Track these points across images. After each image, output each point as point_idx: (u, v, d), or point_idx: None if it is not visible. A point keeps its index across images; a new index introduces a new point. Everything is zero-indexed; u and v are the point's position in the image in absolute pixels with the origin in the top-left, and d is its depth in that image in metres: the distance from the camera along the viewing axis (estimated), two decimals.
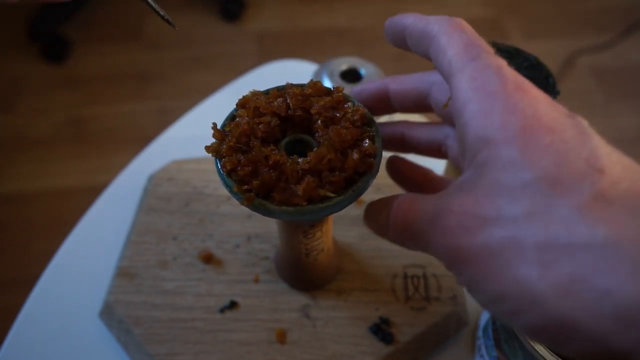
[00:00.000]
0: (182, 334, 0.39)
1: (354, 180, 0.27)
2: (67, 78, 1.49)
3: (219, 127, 0.29)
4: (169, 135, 0.57)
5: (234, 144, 0.28)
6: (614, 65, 1.48)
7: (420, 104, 0.29)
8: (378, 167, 0.28)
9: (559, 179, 0.18)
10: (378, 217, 0.26)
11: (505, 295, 0.19)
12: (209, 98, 0.61)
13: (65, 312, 0.44)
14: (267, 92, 0.31)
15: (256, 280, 0.42)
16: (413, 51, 0.27)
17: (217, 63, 1.51)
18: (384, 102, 0.31)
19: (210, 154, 0.28)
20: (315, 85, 0.30)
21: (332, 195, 0.27)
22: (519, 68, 0.37)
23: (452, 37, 0.24)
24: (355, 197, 0.27)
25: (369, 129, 0.29)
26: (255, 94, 0.30)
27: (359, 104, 0.30)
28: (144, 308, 0.41)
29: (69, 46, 1.53)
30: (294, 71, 0.64)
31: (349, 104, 0.30)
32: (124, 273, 0.43)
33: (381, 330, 0.39)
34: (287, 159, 0.28)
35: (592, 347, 0.17)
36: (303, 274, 0.40)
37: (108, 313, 0.41)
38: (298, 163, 0.27)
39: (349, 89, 0.31)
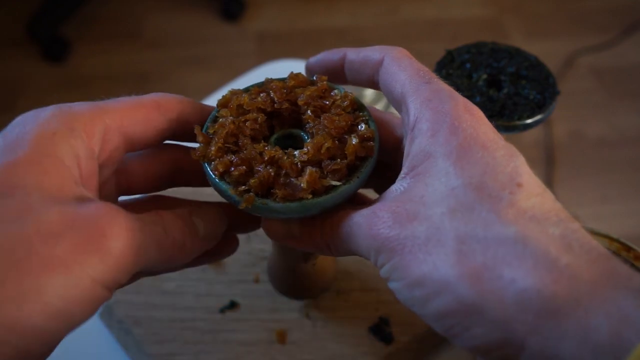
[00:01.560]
0: (182, 334, 0.39)
1: (355, 166, 0.26)
2: (67, 78, 1.49)
3: (202, 131, 0.28)
4: None
5: (222, 145, 0.27)
6: (614, 65, 1.48)
7: (370, 79, 0.28)
8: (377, 151, 0.27)
9: (482, 186, 0.22)
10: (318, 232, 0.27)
11: (423, 280, 0.21)
12: (208, 98, 0.61)
13: None
14: (247, 90, 0.29)
15: (256, 281, 0.42)
16: (349, 80, 0.30)
17: (217, 63, 1.51)
18: (339, 73, 0.30)
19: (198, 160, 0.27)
20: (297, 76, 0.29)
21: (338, 183, 0.25)
22: (519, 68, 0.37)
23: (402, 62, 0.27)
24: (360, 184, 0.26)
25: (360, 114, 0.28)
26: (234, 93, 0.29)
27: (346, 91, 0.28)
28: (144, 308, 0.41)
29: (68, 46, 1.53)
30: (294, 71, 0.64)
31: (336, 91, 0.28)
32: None
33: (381, 330, 0.39)
34: (282, 153, 0.26)
35: (492, 333, 0.20)
36: (300, 282, 0.38)
37: (108, 313, 0.41)
38: (295, 156, 0.26)
39: (349, 88, 0.30)
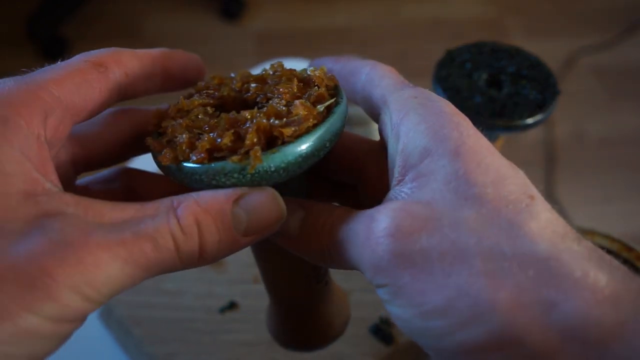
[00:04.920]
0: (182, 334, 0.39)
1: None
2: None
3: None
4: None
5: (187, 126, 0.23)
6: (615, 64, 1.48)
7: (350, 88, 0.26)
8: (340, 120, 0.23)
9: (498, 196, 0.19)
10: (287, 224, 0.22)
11: (448, 307, 0.18)
12: None
13: None
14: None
15: (255, 281, 0.42)
16: None
17: (217, 63, 1.51)
18: None
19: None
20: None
21: (328, 103, 0.21)
22: (519, 68, 0.37)
23: (386, 72, 0.25)
24: (324, 137, 0.22)
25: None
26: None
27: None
28: (143, 308, 0.41)
29: (68, 45, 1.53)
30: None
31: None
32: None
33: (381, 331, 0.39)
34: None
35: None
36: (316, 313, 0.29)
37: (107, 313, 0.41)
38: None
39: None
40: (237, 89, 0.25)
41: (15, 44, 1.56)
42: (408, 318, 0.19)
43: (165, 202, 0.20)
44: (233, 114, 0.22)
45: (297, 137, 0.21)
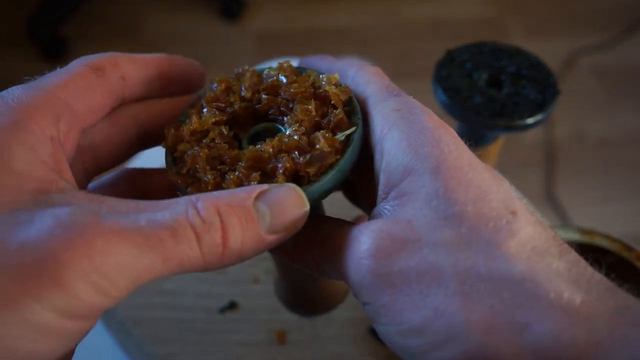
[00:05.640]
0: (182, 334, 0.39)
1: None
2: None
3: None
4: None
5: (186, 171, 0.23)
6: (615, 64, 1.48)
7: None
8: (358, 147, 0.23)
9: (479, 214, 0.19)
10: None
11: (423, 328, 0.18)
12: None
13: None
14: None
15: (255, 281, 0.42)
16: None
17: (217, 63, 1.51)
18: None
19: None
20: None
21: (350, 131, 0.22)
22: (519, 68, 0.37)
23: (372, 76, 0.24)
24: (342, 170, 0.22)
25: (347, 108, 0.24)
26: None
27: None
28: (144, 308, 0.41)
29: (68, 45, 1.53)
30: None
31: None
32: None
33: None
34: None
35: None
36: (322, 288, 0.32)
37: (107, 314, 0.41)
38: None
39: None
40: (248, 98, 0.25)
41: (15, 44, 1.56)
42: (390, 336, 0.19)
43: (184, 198, 0.19)
44: (255, 150, 0.22)
45: (322, 173, 0.22)
